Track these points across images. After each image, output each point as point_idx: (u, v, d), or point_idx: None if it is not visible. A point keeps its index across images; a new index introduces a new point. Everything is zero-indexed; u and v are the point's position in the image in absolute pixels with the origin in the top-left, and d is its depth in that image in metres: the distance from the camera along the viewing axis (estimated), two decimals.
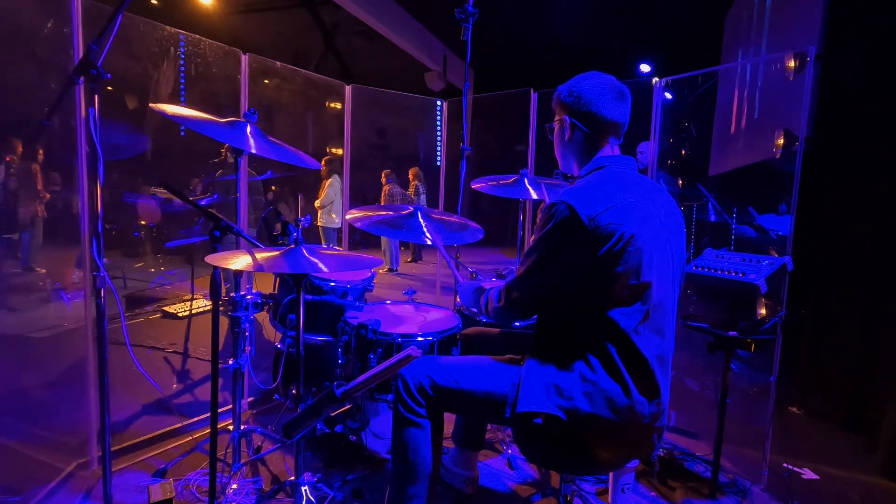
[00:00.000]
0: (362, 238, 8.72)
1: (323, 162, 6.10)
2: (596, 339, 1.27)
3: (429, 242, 1.96)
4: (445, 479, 2.01)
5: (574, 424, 1.26)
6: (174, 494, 1.79)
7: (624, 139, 1.46)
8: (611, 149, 1.42)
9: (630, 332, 1.25)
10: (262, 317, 2.28)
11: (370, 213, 2.07)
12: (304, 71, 3.34)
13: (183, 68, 3.87)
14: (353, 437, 2.28)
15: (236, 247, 1.93)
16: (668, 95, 3.04)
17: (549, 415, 1.27)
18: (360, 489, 1.97)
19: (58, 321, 4.26)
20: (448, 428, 1.88)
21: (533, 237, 1.34)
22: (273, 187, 9.71)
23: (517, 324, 2.06)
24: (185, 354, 3.32)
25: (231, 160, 4.31)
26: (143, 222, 7.12)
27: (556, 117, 1.48)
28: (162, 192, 5.34)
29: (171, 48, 2.93)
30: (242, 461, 2.09)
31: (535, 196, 2.40)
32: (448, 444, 2.06)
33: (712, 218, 5.78)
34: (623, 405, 1.24)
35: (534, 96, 3.58)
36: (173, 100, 4.26)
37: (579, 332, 1.30)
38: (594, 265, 1.24)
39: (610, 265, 1.24)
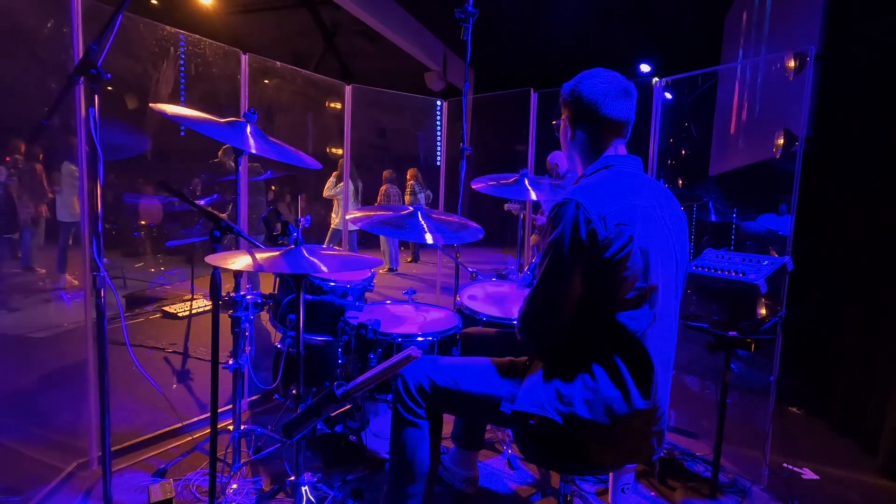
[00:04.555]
0: (361, 238, 8.73)
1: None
2: (602, 344, 1.26)
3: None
4: (445, 479, 2.01)
5: (571, 429, 1.25)
6: (174, 494, 1.79)
7: (630, 138, 1.46)
8: (615, 148, 1.41)
9: (638, 336, 1.23)
10: (262, 316, 2.28)
11: (370, 214, 2.08)
12: (304, 71, 3.34)
13: (183, 68, 3.87)
14: (353, 437, 2.28)
15: (236, 247, 1.93)
16: (668, 95, 3.04)
17: (545, 417, 1.27)
18: (360, 489, 1.97)
19: (58, 321, 4.26)
20: (448, 428, 1.89)
21: (542, 240, 1.32)
22: (273, 187, 9.72)
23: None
24: (185, 354, 3.32)
25: (230, 163, 4.31)
26: (143, 222, 7.13)
27: (562, 116, 1.48)
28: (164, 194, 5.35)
29: (171, 48, 2.92)
30: (242, 461, 2.09)
31: (534, 197, 2.40)
32: (448, 444, 2.06)
33: (713, 218, 5.79)
34: (622, 412, 1.24)
35: (534, 96, 3.58)
36: (173, 100, 4.26)
37: (586, 337, 1.28)
38: (603, 266, 1.22)
39: (618, 267, 1.22)
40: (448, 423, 1.84)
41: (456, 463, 2.01)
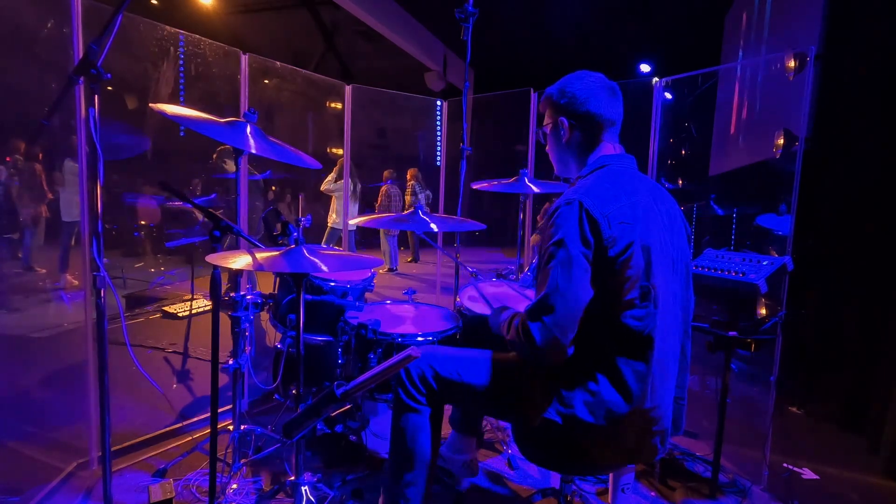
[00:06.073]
0: (360, 238, 8.73)
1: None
2: (605, 344, 1.25)
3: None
4: (444, 467, 1.97)
5: (571, 430, 1.25)
6: (174, 494, 1.79)
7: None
8: (609, 147, 1.40)
9: (643, 336, 1.23)
10: (262, 316, 2.28)
11: (374, 218, 2.08)
12: (304, 71, 3.34)
13: (183, 68, 3.87)
14: (353, 437, 2.28)
15: (236, 246, 1.93)
16: (668, 95, 3.04)
17: (545, 418, 1.27)
18: (360, 489, 1.97)
19: (58, 321, 4.26)
20: (445, 413, 1.87)
21: (543, 244, 1.26)
22: (273, 187, 9.72)
23: None
24: (185, 354, 3.32)
25: (223, 165, 4.31)
26: (142, 222, 7.13)
27: (548, 120, 1.46)
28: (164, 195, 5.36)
29: (171, 48, 2.93)
30: (242, 461, 2.09)
31: (536, 189, 2.40)
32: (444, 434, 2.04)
33: (713, 217, 5.77)
34: (622, 413, 1.23)
35: (534, 96, 3.58)
36: (173, 100, 4.26)
37: (589, 338, 1.25)
38: (608, 265, 1.21)
39: (622, 266, 1.21)
40: (446, 409, 1.82)
41: (454, 449, 1.96)
